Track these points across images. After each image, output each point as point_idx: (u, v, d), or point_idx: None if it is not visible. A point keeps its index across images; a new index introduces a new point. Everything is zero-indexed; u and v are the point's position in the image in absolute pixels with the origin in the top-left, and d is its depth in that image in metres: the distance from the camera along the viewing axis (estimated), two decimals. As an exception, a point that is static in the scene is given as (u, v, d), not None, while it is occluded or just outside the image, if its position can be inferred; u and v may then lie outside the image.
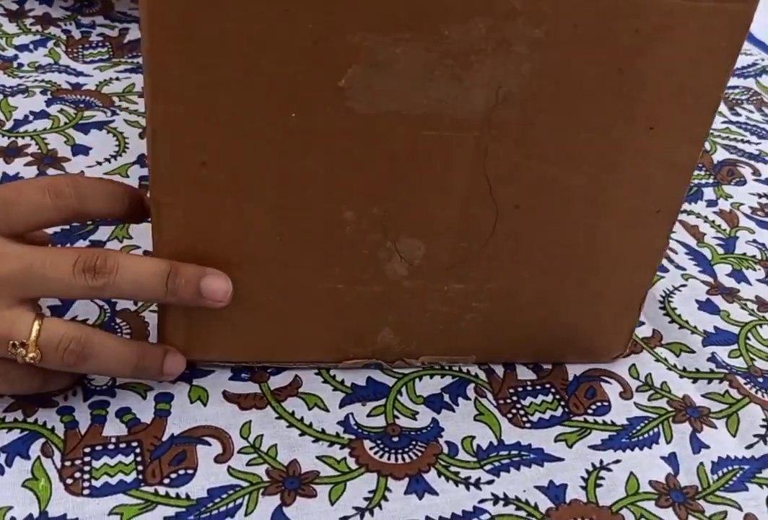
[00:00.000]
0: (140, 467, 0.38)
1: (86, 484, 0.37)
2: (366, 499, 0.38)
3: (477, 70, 0.34)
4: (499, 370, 0.45)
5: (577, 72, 0.35)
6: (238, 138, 0.35)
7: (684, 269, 0.53)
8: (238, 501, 0.37)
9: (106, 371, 0.39)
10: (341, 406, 0.41)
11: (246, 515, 0.36)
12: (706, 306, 0.50)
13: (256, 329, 0.41)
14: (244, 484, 0.38)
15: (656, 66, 0.35)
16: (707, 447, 0.42)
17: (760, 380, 0.46)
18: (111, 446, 0.38)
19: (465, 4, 0.32)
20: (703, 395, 0.45)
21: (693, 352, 0.47)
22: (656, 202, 0.39)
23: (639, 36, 0.34)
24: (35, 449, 0.38)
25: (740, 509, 0.40)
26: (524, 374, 0.45)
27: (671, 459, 0.41)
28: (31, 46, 0.64)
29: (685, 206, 0.59)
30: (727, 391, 0.45)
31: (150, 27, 0.32)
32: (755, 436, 0.43)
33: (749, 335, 0.49)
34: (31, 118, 0.57)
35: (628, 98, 0.36)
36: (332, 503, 0.37)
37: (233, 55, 0.33)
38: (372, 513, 0.37)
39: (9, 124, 0.56)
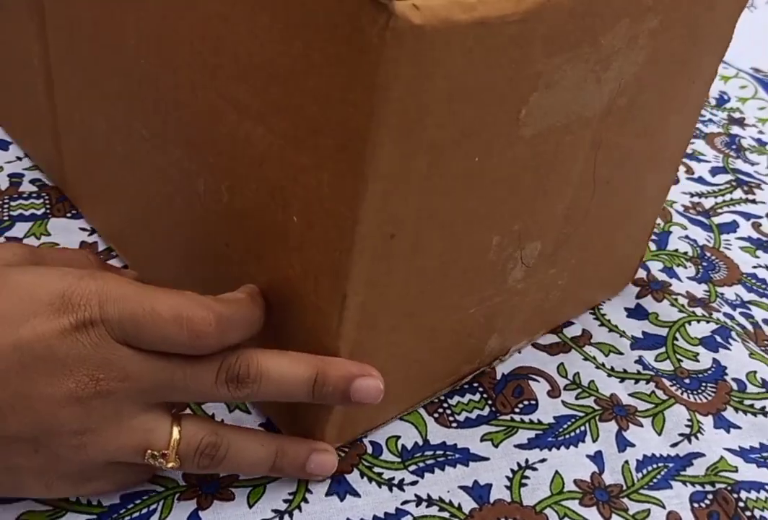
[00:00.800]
0: (50, 472, 0.36)
1: (-8, 490, 0.35)
2: (285, 501, 0.37)
3: (612, 68, 0.34)
4: (427, 369, 0.44)
5: (672, 50, 0.36)
6: (425, 200, 0.31)
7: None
8: (152, 507, 0.36)
9: (239, 471, 0.37)
10: (230, 411, 0.41)
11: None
12: (635, 313, 0.50)
13: (404, 383, 0.38)
14: (160, 489, 0.36)
15: (708, 27, 0.38)
16: (632, 446, 0.42)
17: (687, 381, 0.46)
18: (20, 451, 0.37)
19: (615, 8, 0.32)
20: (630, 394, 0.45)
21: (621, 353, 0.47)
22: (683, 144, 0.44)
23: (711, 10, 0.37)
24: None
25: (663, 507, 0.39)
26: (452, 373, 0.44)
27: (597, 458, 0.41)
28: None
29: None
30: (653, 391, 0.45)
31: (371, 107, 0.27)
32: (680, 435, 0.43)
33: (677, 335, 0.49)
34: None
35: (688, 61, 0.39)
36: (250, 506, 0.36)
37: (440, 115, 0.28)
38: (291, 516, 0.36)
39: None
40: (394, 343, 0.36)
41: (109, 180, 0.44)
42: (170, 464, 0.33)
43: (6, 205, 0.49)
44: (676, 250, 0.56)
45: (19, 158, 0.52)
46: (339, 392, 0.33)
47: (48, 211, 0.49)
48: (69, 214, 0.49)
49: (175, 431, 0.33)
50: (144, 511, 0.36)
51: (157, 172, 0.39)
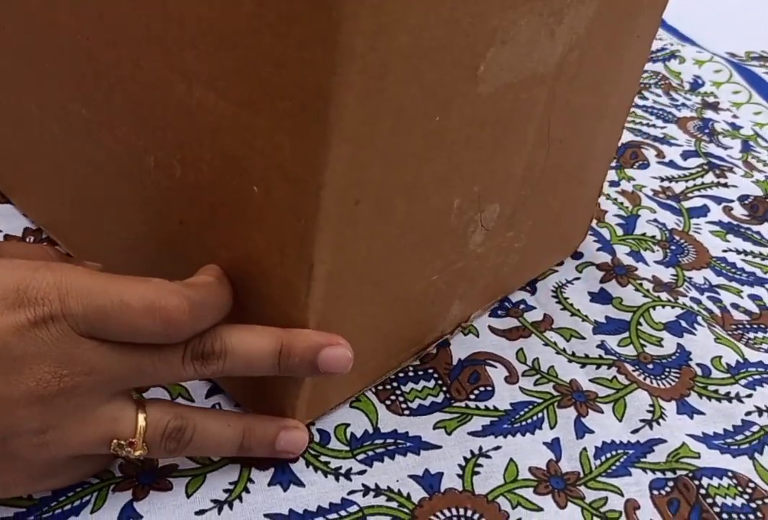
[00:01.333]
0: (-21, 463, 0.35)
1: None
2: (226, 491, 0.35)
3: (565, 22, 0.33)
4: (380, 355, 0.43)
5: (616, 4, 0.36)
6: (391, 163, 0.30)
7: (581, 256, 0.51)
8: (86, 498, 0.34)
9: (207, 453, 0.35)
10: (207, 397, 0.39)
11: (92, 512, 0.34)
12: (599, 297, 0.49)
13: (367, 355, 0.37)
14: (94, 481, 0.35)
15: None
16: (591, 432, 0.41)
17: (650, 366, 0.45)
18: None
19: None
20: (590, 380, 0.43)
21: (583, 338, 0.46)
22: (628, 97, 0.43)
23: None
24: None
25: (622, 494, 0.38)
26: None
27: (554, 445, 0.40)
28: None
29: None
30: (615, 376, 0.44)
31: (337, 64, 0.26)
32: (641, 421, 0.42)
33: (641, 319, 0.47)
34: None
35: (633, 14, 0.38)
36: (188, 496, 0.35)
37: (401, 72, 0.28)
38: (231, 506, 0.35)
39: None
40: (361, 313, 0.35)
41: (46, 167, 0.42)
42: (138, 452, 0.32)
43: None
44: (644, 234, 0.54)
45: None
46: (306, 362, 0.33)
47: (-8, 196, 0.48)
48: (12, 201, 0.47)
49: (141, 418, 0.31)
50: (76, 503, 0.34)
51: (101, 153, 0.37)
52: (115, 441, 0.31)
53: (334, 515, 0.35)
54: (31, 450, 0.30)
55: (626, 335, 0.46)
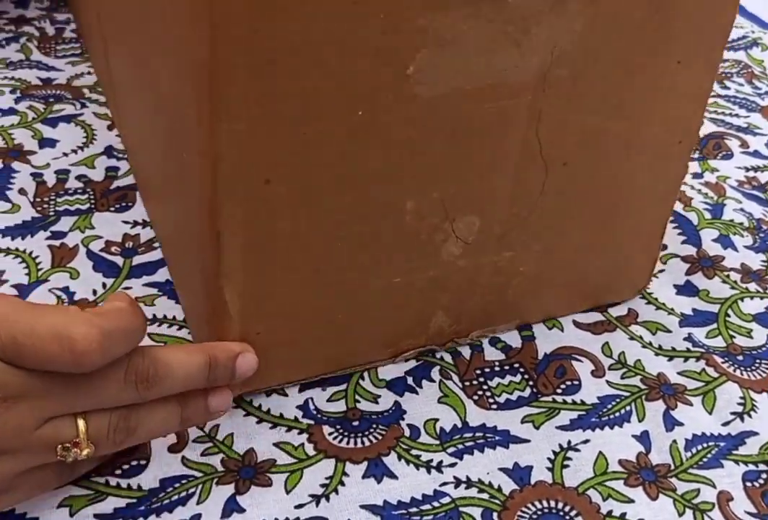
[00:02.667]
0: (92, 458, 0.37)
1: (36, 476, 0.36)
2: (322, 485, 0.37)
3: (535, 33, 0.33)
4: (466, 352, 0.43)
5: (623, 20, 0.35)
6: (302, 147, 0.32)
7: (665, 248, 0.51)
8: (191, 490, 0.36)
9: (156, 435, 0.36)
10: (301, 391, 0.41)
11: (198, 504, 0.36)
12: (685, 289, 0.48)
13: (314, 343, 0.39)
14: (198, 474, 0.37)
15: (686, 1, 0.35)
16: (681, 425, 0.41)
17: (740, 357, 0.44)
18: (63, 438, 0.38)
19: None
20: (678, 373, 0.43)
21: (669, 331, 0.46)
22: (679, 134, 0.40)
23: None
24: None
25: (714, 486, 0.38)
26: (492, 354, 0.43)
27: (643, 437, 0.40)
28: (3, 43, 0.64)
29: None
30: (703, 369, 0.43)
31: (216, 43, 0.28)
32: (732, 413, 0.41)
33: (729, 311, 0.47)
34: (-1, 114, 0.56)
35: (663, 37, 0.36)
36: (288, 492, 0.36)
37: (299, 58, 0.29)
38: (328, 499, 0.36)
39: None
40: (301, 299, 0.37)
41: None
42: (85, 452, 0.32)
43: (52, 201, 0.50)
44: (732, 221, 0.54)
45: (65, 154, 0.53)
46: (228, 370, 0.36)
47: (92, 206, 0.50)
48: (112, 209, 0.50)
49: (79, 418, 0.32)
50: (183, 494, 0.36)
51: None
52: (59, 447, 0.31)
53: (428, 506, 0.36)
54: None
55: (714, 326, 0.46)
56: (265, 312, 0.37)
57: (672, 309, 0.47)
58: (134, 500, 0.36)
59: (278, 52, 0.29)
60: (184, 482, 0.36)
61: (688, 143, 0.41)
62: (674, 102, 0.39)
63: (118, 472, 0.37)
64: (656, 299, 0.47)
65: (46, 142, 0.54)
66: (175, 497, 0.36)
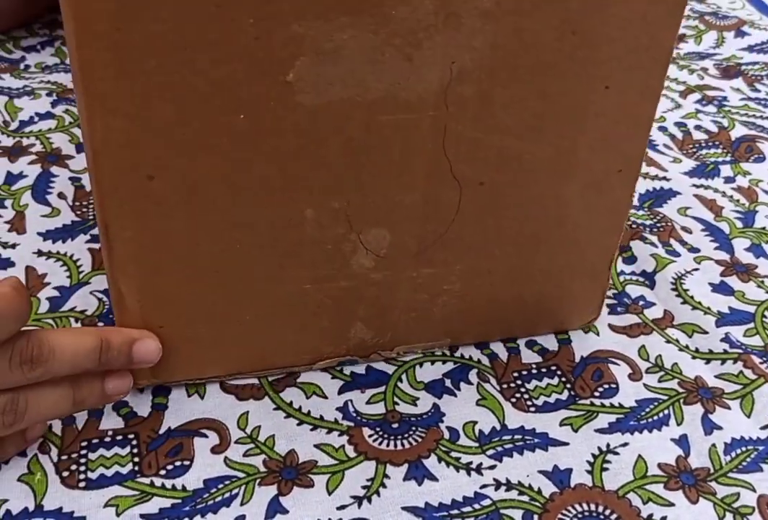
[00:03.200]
0: (136, 459, 0.37)
1: (82, 476, 0.37)
2: (364, 487, 0.37)
3: (427, 47, 0.32)
4: (503, 354, 0.44)
5: (530, 40, 0.34)
6: (184, 147, 0.33)
7: (698, 251, 0.51)
8: (234, 491, 0.37)
9: (48, 417, 0.36)
10: (340, 393, 0.41)
11: (242, 504, 0.36)
12: (720, 288, 0.48)
13: (222, 341, 0.40)
14: (241, 475, 0.37)
15: (609, 24, 0.34)
16: (720, 428, 0.41)
17: (778, 357, 0.44)
18: (108, 439, 0.38)
19: None
20: (716, 376, 0.43)
21: (706, 333, 0.46)
22: (618, 162, 0.39)
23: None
24: (32, 447, 0.37)
25: (754, 490, 0.38)
26: (529, 357, 0.44)
27: (682, 441, 0.40)
28: (39, 47, 0.65)
29: (702, 181, 0.57)
30: (741, 371, 0.43)
31: (78, 37, 0.30)
32: (771, 416, 0.41)
33: (767, 312, 0.47)
34: (36, 119, 0.57)
35: (583, 60, 0.35)
36: (330, 493, 0.37)
37: (168, 59, 0.31)
38: (370, 501, 0.37)
39: (14, 125, 0.56)
40: (204, 297, 0.37)
41: None
42: None
43: (91, 205, 0.51)
44: (764, 228, 0.54)
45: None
46: (123, 355, 0.36)
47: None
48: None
49: None
50: (227, 495, 0.36)
51: None
52: None
53: (468, 508, 0.36)
54: None
55: (752, 325, 0.46)
56: (167, 307, 0.38)
57: (708, 308, 0.47)
58: (179, 501, 0.36)
59: (145, 51, 0.30)
60: (227, 482, 0.37)
61: (631, 173, 0.39)
62: (606, 129, 0.37)
63: (163, 472, 0.37)
64: (692, 297, 0.47)
65: (83, 147, 0.55)
66: (219, 497, 0.36)
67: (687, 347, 0.45)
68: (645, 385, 0.43)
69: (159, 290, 0.37)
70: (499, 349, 0.44)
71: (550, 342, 0.44)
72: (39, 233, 0.48)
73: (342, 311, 0.40)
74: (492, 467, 0.38)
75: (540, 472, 0.38)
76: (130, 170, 0.33)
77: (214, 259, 0.36)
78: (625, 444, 0.40)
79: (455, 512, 0.36)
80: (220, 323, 0.39)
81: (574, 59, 0.35)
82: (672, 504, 0.37)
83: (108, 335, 0.36)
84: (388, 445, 0.39)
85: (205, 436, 0.39)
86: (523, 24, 0.33)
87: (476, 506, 0.37)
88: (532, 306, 0.43)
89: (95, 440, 0.38)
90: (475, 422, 0.40)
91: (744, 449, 0.40)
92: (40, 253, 0.47)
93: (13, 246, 0.47)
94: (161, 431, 0.39)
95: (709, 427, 0.41)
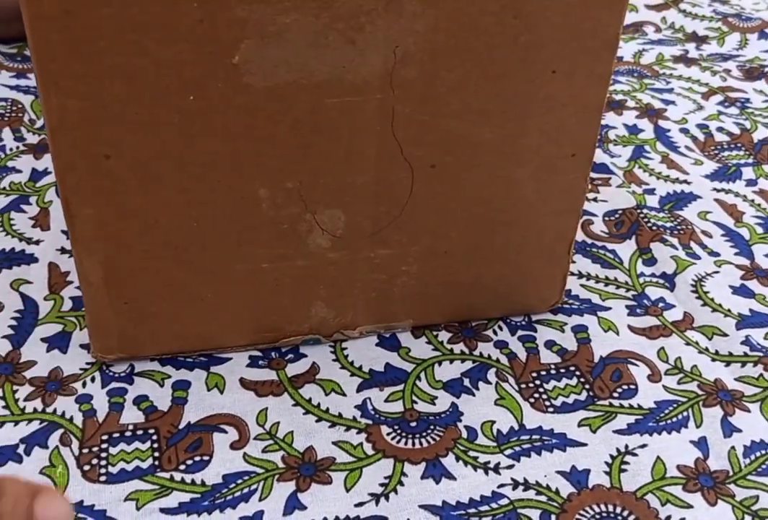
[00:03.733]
0: (156, 454, 0.38)
1: (103, 470, 0.37)
2: (381, 485, 0.37)
3: (370, 31, 0.33)
4: (522, 353, 0.44)
5: (472, 24, 0.34)
6: (138, 127, 0.34)
7: (718, 255, 0.51)
8: (253, 487, 0.37)
9: None
10: (359, 390, 0.41)
11: (260, 500, 0.36)
12: (741, 290, 0.48)
13: (185, 317, 0.40)
14: (260, 470, 0.37)
15: (550, 9, 0.35)
16: (739, 431, 0.40)
17: (798, 361, 0.44)
18: (128, 434, 0.38)
19: None
20: (736, 379, 0.43)
21: (726, 335, 0.45)
22: (570, 146, 0.39)
23: None
24: (54, 439, 0.38)
25: (773, 493, 0.38)
26: (548, 357, 0.44)
27: (701, 443, 0.40)
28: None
29: (723, 185, 0.57)
30: (761, 374, 0.43)
31: (30, 20, 0.31)
32: (791, 419, 0.41)
33: (787, 315, 0.47)
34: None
35: (526, 45, 0.36)
36: (347, 490, 0.37)
37: (117, 41, 0.32)
38: (387, 498, 0.37)
39: (39, 123, 0.57)
40: (165, 274, 0.38)
41: None
42: None
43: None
44: (786, 232, 0.53)
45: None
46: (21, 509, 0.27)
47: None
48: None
49: None
50: (245, 490, 0.37)
51: None
52: None
53: (486, 507, 0.37)
54: None
55: (772, 328, 0.46)
56: (130, 283, 0.39)
57: (729, 310, 0.47)
58: (198, 495, 0.36)
59: (94, 33, 0.31)
60: (246, 478, 0.37)
61: (584, 157, 0.40)
62: (555, 113, 0.38)
63: (182, 467, 0.37)
64: (712, 300, 0.47)
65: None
66: (238, 493, 0.36)
67: (707, 349, 0.45)
68: (664, 387, 0.42)
69: (121, 267, 0.38)
70: (518, 348, 0.44)
71: (568, 342, 0.44)
72: (63, 231, 0.49)
73: (301, 290, 0.41)
74: (510, 467, 0.38)
75: (558, 472, 0.38)
76: (86, 148, 0.34)
77: (173, 236, 0.37)
78: (644, 445, 0.40)
79: (472, 511, 0.36)
80: (181, 300, 0.40)
81: (517, 44, 0.35)
82: (690, 506, 0.37)
83: (4, 484, 0.27)
84: (406, 443, 0.39)
85: (225, 431, 0.39)
86: (462, 9, 0.34)
87: (494, 505, 0.37)
88: (492, 288, 0.44)
89: (116, 434, 0.38)
90: (494, 422, 0.40)
91: (763, 452, 0.40)
92: (63, 250, 0.48)
93: (37, 242, 0.48)
94: (181, 426, 0.39)
95: (729, 429, 0.40)
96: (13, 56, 0.63)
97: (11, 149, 0.54)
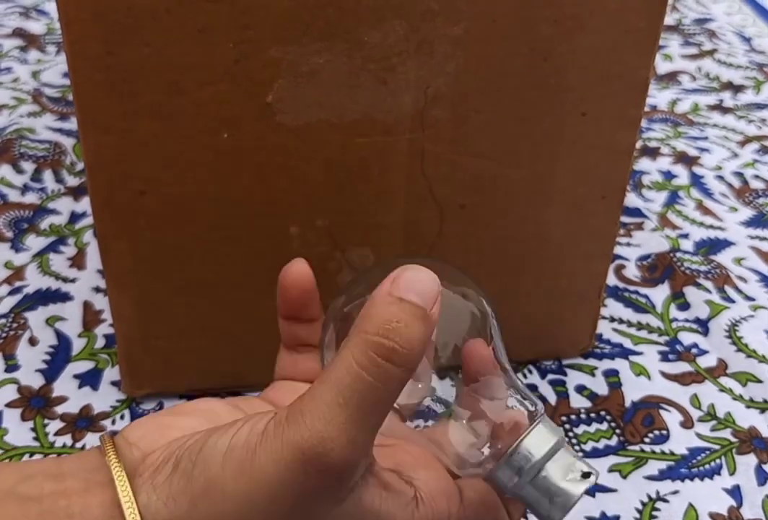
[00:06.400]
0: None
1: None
2: None
3: (401, 72, 0.34)
4: (552, 397, 0.43)
5: (502, 66, 0.35)
6: (173, 163, 0.35)
7: (753, 300, 0.50)
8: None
9: None
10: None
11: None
12: (776, 337, 0.48)
13: (215, 354, 0.41)
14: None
15: (579, 52, 0.35)
16: (775, 479, 0.39)
17: (836, 410, 0.43)
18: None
19: (378, 8, 0.32)
20: (771, 426, 0.42)
21: (760, 381, 0.45)
22: (600, 188, 0.39)
23: (558, 25, 0.34)
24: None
25: (810, 544, 0.37)
26: (578, 401, 0.43)
27: (734, 491, 0.39)
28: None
29: (758, 232, 0.56)
30: (797, 422, 0.42)
31: (73, 59, 0.32)
32: (829, 469, 0.40)
33: (825, 363, 0.46)
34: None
35: (556, 87, 0.36)
36: None
37: (156, 80, 0.33)
38: None
39: (80, 166, 0.58)
40: (198, 311, 0.39)
41: None
42: None
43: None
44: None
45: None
46: None
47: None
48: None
49: None
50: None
51: None
52: None
53: (512, 553, 0.36)
54: None
55: (809, 376, 0.45)
56: (162, 319, 0.39)
57: (763, 356, 0.46)
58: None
59: (133, 72, 0.32)
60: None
61: (615, 200, 0.39)
62: (584, 155, 0.38)
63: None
64: (746, 345, 0.46)
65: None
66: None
67: (741, 396, 0.44)
68: (697, 433, 0.42)
69: (154, 302, 0.38)
70: (548, 391, 0.43)
71: (599, 386, 0.44)
72: (98, 271, 0.50)
73: None
74: (537, 512, 0.38)
75: (587, 518, 0.37)
76: (122, 184, 0.35)
77: (205, 272, 0.38)
78: (676, 492, 0.39)
79: (498, 555, 0.36)
80: (212, 337, 0.40)
81: (546, 86, 0.36)
82: (724, 556, 0.36)
83: None
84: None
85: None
86: (492, 51, 0.34)
87: (520, 549, 0.36)
88: (522, 330, 0.43)
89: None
90: (521, 465, 0.40)
91: (800, 501, 0.39)
92: (98, 289, 0.48)
93: (73, 281, 0.49)
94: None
95: (763, 478, 0.39)
96: (58, 100, 0.65)
97: (52, 191, 0.56)
